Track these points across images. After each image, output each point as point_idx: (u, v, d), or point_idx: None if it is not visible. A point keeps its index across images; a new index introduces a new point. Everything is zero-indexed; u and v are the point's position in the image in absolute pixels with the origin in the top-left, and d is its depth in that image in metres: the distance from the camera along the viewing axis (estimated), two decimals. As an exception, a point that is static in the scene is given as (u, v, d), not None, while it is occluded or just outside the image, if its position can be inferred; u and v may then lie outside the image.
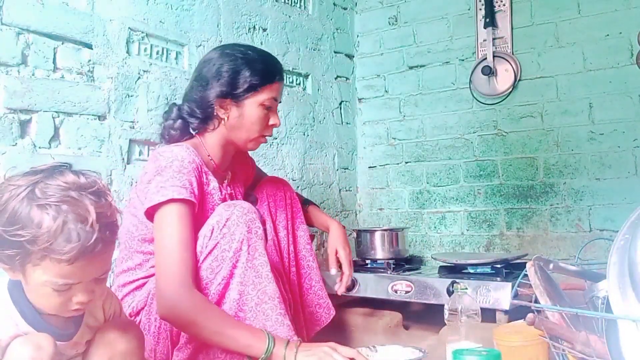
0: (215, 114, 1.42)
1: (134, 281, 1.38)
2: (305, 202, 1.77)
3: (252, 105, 1.42)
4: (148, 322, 1.32)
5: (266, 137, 1.49)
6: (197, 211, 1.33)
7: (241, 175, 1.63)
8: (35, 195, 0.87)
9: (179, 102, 1.52)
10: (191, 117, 1.44)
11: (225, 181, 1.52)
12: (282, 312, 1.28)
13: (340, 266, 1.67)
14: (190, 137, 1.47)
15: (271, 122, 1.47)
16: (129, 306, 1.36)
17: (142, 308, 1.34)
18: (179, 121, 1.45)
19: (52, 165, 0.93)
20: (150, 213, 1.29)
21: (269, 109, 1.45)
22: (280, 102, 1.50)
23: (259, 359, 1.19)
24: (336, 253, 1.66)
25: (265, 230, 1.33)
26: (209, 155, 1.46)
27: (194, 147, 1.39)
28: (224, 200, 1.44)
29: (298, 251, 1.66)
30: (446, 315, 1.47)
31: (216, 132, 1.45)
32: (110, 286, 1.38)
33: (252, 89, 1.41)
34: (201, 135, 1.47)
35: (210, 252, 1.28)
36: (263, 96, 1.42)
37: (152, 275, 1.35)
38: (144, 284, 1.37)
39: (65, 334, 0.97)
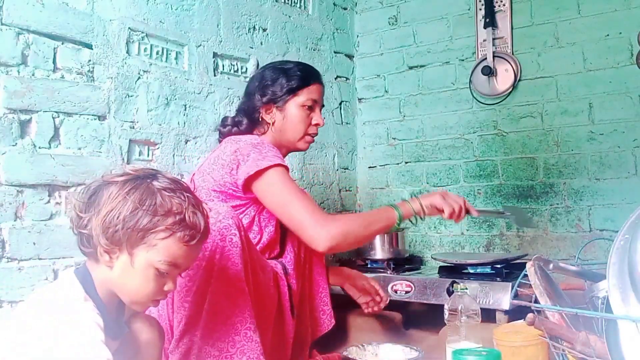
0: (262, 118, 1.61)
1: None
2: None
3: (293, 107, 1.60)
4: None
5: (313, 137, 1.66)
6: None
7: None
8: (158, 183, 0.97)
9: (179, 102, 1.54)
10: (240, 124, 1.62)
11: None
12: (252, 326, 1.27)
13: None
14: None
15: (314, 121, 1.64)
16: None
17: None
18: (234, 128, 1.63)
19: (149, 168, 1.08)
20: (250, 182, 1.43)
21: (311, 109, 1.62)
22: (323, 105, 1.69)
23: (395, 223, 1.50)
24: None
25: (242, 237, 1.31)
26: None
27: None
28: None
29: (309, 256, 1.68)
30: (446, 315, 1.47)
31: (266, 136, 1.62)
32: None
33: (291, 91, 1.60)
34: None
35: None
36: (302, 98, 1.61)
37: None
38: None
39: (119, 333, 1.02)
